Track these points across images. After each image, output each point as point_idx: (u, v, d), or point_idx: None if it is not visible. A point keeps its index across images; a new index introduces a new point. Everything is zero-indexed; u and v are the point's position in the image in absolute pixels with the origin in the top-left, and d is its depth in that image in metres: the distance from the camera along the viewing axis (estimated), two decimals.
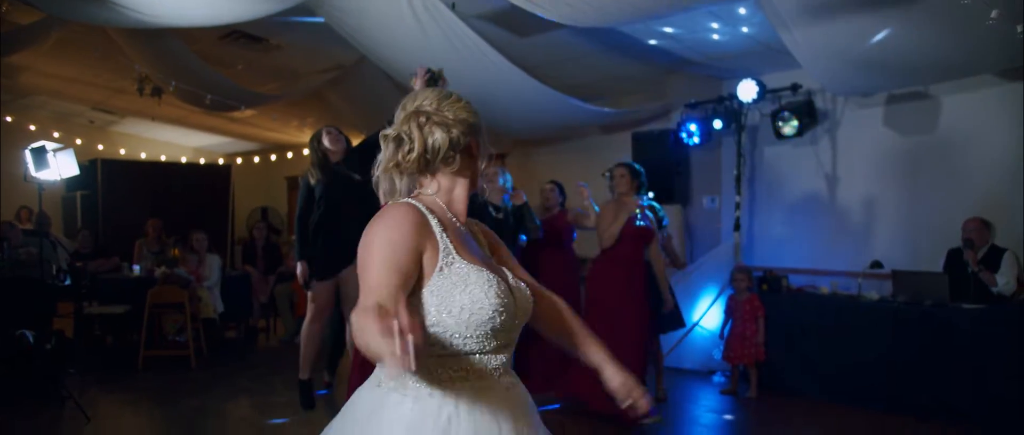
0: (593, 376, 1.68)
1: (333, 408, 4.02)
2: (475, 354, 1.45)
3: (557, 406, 4.80)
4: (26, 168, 5.34)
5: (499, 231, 4.73)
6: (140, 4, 4.49)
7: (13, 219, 8.11)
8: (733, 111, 6.30)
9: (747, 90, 5.86)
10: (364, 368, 2.65)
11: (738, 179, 6.35)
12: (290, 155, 11.38)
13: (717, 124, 6.36)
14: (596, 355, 1.68)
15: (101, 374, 5.98)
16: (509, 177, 5.09)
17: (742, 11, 4.97)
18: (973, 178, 5.31)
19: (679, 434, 4.57)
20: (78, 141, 9.64)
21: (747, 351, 5.25)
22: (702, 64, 6.21)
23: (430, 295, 1.41)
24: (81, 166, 6.08)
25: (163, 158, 11.49)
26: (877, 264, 5.29)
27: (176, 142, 11.67)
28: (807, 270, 5.99)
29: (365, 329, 1.17)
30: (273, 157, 11.75)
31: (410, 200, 1.49)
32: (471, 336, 1.42)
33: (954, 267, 4.99)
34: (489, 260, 1.58)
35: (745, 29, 5.31)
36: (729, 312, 5.45)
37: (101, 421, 4.63)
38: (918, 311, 4.79)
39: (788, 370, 5.31)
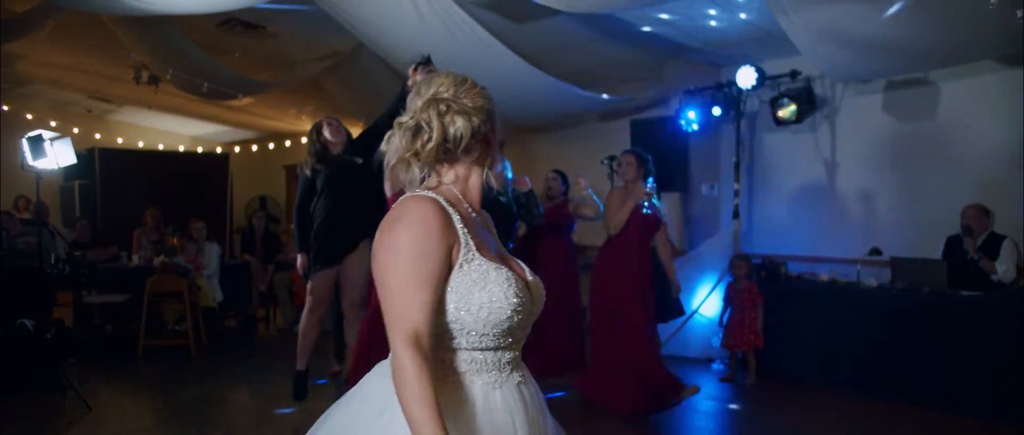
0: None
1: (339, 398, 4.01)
2: (490, 350, 1.44)
3: (561, 394, 4.82)
4: (23, 157, 5.33)
5: (507, 219, 4.74)
6: None
7: (11, 208, 8.12)
8: (732, 98, 6.28)
9: (746, 77, 5.85)
10: (362, 369, 2.64)
11: (737, 166, 6.34)
12: (288, 143, 11.35)
13: (716, 111, 6.34)
14: None
15: (101, 363, 5.99)
16: (508, 164, 5.07)
17: None
18: (972, 165, 5.29)
19: (678, 421, 4.58)
20: (75, 130, 9.63)
21: (746, 338, 5.27)
22: (700, 51, 6.18)
23: (450, 292, 1.39)
24: (78, 155, 6.07)
25: (161, 147, 11.46)
26: (876, 251, 5.29)
27: (174, 131, 11.64)
28: (806, 257, 5.99)
29: (407, 386, 1.25)
30: (271, 145, 11.73)
31: (429, 193, 1.43)
32: (488, 334, 1.42)
33: (953, 254, 4.99)
34: (503, 251, 1.57)
35: (743, 15, 5.27)
36: (728, 300, 5.46)
37: (102, 409, 4.64)
38: (917, 298, 4.80)
39: (787, 357, 5.33)
